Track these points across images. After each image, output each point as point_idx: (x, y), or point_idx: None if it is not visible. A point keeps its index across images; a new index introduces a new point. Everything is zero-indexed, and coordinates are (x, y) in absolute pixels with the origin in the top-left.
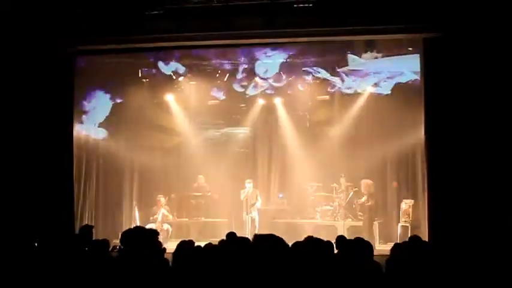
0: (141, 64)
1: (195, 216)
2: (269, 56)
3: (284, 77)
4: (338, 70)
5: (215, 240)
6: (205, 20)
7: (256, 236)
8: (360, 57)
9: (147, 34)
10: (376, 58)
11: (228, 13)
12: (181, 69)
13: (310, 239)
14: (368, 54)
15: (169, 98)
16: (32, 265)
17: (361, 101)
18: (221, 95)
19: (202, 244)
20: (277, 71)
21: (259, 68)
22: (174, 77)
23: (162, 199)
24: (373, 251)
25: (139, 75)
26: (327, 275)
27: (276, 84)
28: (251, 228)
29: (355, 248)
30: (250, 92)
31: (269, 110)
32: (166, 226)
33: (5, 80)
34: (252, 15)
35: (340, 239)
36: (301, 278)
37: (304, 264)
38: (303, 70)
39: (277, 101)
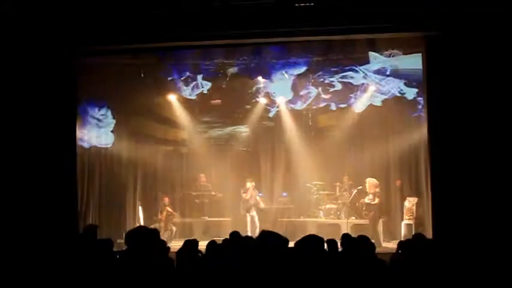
0: (143, 64)
1: (199, 216)
2: (283, 71)
3: (308, 96)
4: (359, 68)
5: (219, 239)
6: (206, 19)
7: (263, 232)
8: (381, 54)
9: (150, 34)
10: (395, 56)
11: (230, 13)
12: (206, 86)
13: (310, 237)
14: (389, 52)
15: (172, 97)
16: (37, 264)
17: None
18: (223, 95)
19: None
20: (292, 87)
21: (274, 87)
22: (177, 76)
23: (166, 199)
24: (375, 248)
25: (142, 75)
26: (329, 272)
27: (300, 108)
28: (252, 226)
29: (358, 245)
30: (273, 113)
31: (271, 109)
32: (170, 225)
33: (7, 81)
34: (252, 14)
35: (345, 236)
36: (304, 275)
37: (306, 261)
38: (320, 80)
39: (280, 100)
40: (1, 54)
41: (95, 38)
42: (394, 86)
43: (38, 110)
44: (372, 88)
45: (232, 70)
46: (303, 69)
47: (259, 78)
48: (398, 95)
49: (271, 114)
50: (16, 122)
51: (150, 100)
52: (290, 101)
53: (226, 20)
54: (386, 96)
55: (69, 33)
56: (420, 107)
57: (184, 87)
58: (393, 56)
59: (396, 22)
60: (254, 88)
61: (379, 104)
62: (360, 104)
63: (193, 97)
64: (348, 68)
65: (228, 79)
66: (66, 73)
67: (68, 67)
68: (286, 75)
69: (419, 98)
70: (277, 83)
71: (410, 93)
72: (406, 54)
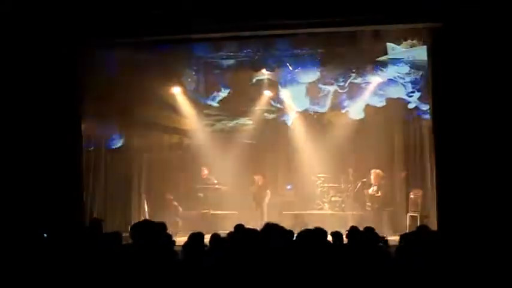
0: (149, 57)
1: (204, 209)
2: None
3: (326, 95)
4: (378, 59)
5: (224, 233)
6: (212, 12)
7: (267, 225)
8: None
9: (156, 29)
10: (413, 47)
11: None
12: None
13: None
14: (407, 42)
15: (176, 90)
16: (43, 258)
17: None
18: (228, 87)
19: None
20: (307, 92)
21: (288, 94)
22: (181, 70)
23: (170, 196)
24: (380, 240)
25: (146, 68)
26: (333, 264)
27: (324, 110)
28: (259, 220)
29: (364, 237)
30: (290, 121)
31: (276, 102)
32: (175, 219)
33: (8, 81)
34: (258, 6)
35: (352, 229)
36: (307, 267)
37: (310, 254)
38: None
39: (284, 93)
40: (1, 54)
41: (96, 36)
42: (401, 90)
43: (41, 106)
44: (378, 85)
45: (236, 62)
46: (314, 66)
47: (263, 70)
48: (404, 97)
49: (289, 123)
50: (19, 118)
51: (156, 93)
52: (311, 106)
53: (229, 12)
54: (387, 97)
55: (70, 33)
56: (420, 112)
57: (205, 98)
58: (411, 47)
59: (399, 14)
60: (258, 81)
61: (379, 105)
62: (360, 105)
63: (217, 104)
64: (364, 61)
65: (232, 72)
66: (67, 71)
67: (69, 66)
68: (290, 68)
69: (420, 104)
70: (290, 90)
71: (415, 98)
72: (424, 45)
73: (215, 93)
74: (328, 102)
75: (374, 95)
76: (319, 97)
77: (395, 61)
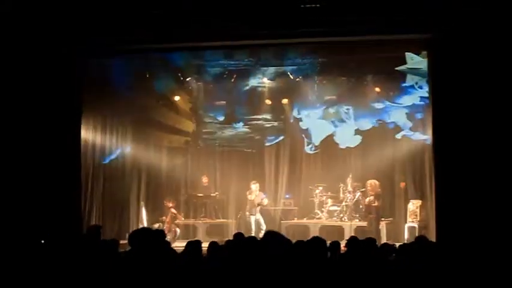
0: (148, 64)
1: (202, 217)
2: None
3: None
4: (396, 69)
5: (222, 241)
6: (209, 21)
7: (268, 232)
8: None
9: (154, 34)
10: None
11: (233, 13)
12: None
13: (314, 239)
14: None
15: (176, 98)
16: (40, 265)
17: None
18: (228, 95)
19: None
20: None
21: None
22: (181, 78)
23: (169, 204)
24: (379, 250)
25: (147, 75)
26: (331, 274)
27: (351, 125)
28: (256, 229)
29: (363, 248)
30: (312, 149)
31: (276, 111)
32: (174, 227)
33: (13, 81)
34: (257, 15)
35: (352, 239)
36: (306, 276)
37: (307, 264)
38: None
39: (285, 102)
40: (1, 54)
41: (96, 36)
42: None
43: (39, 109)
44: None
45: (237, 70)
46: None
47: (264, 79)
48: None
49: (310, 151)
50: (18, 121)
51: (156, 100)
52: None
53: (230, 20)
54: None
55: (70, 33)
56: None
57: (227, 125)
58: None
59: (399, 24)
60: (259, 89)
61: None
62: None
63: (243, 129)
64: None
65: (233, 80)
66: (66, 72)
67: (69, 66)
68: (291, 76)
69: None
70: (308, 120)
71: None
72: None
73: (237, 121)
74: (351, 119)
75: (367, 118)
76: (337, 118)
77: (414, 71)
